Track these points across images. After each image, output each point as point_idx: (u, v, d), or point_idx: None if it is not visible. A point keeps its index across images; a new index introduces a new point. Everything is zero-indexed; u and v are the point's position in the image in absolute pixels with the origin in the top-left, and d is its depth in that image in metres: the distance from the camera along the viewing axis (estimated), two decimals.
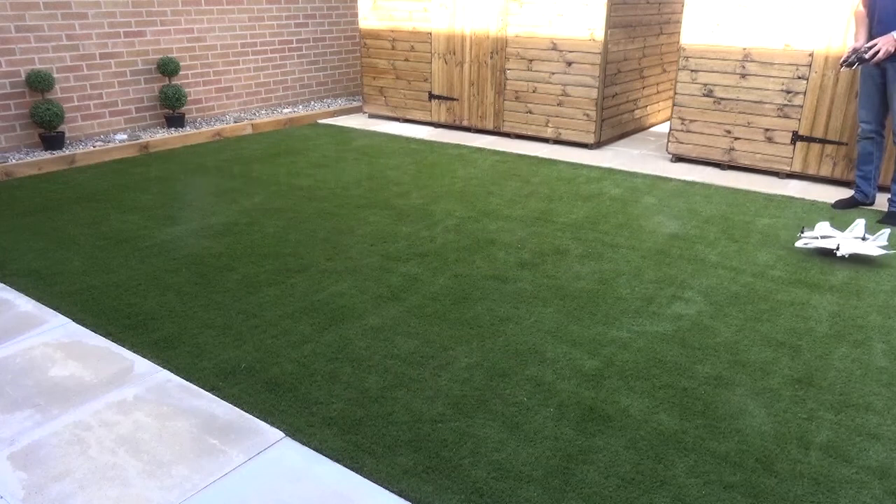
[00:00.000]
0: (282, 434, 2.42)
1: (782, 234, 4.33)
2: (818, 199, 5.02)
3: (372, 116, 8.02)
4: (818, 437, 2.43)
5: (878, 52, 4.17)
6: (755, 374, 2.81)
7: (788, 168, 5.50)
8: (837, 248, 3.76)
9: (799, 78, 5.23)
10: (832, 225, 4.17)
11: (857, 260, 3.85)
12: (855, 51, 4.29)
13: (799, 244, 3.91)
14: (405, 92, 7.57)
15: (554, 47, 6.38)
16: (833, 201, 4.94)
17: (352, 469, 2.26)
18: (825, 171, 5.35)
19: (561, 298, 3.45)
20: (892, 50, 4.13)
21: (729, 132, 5.68)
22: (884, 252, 3.73)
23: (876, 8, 4.28)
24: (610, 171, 5.80)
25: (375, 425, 2.48)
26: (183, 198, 5.01)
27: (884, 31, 4.24)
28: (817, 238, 3.87)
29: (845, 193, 5.13)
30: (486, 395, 2.65)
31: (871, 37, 4.34)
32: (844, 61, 4.37)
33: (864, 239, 3.84)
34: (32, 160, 5.68)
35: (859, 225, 3.92)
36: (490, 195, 5.09)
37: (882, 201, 4.87)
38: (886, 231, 3.81)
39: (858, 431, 2.46)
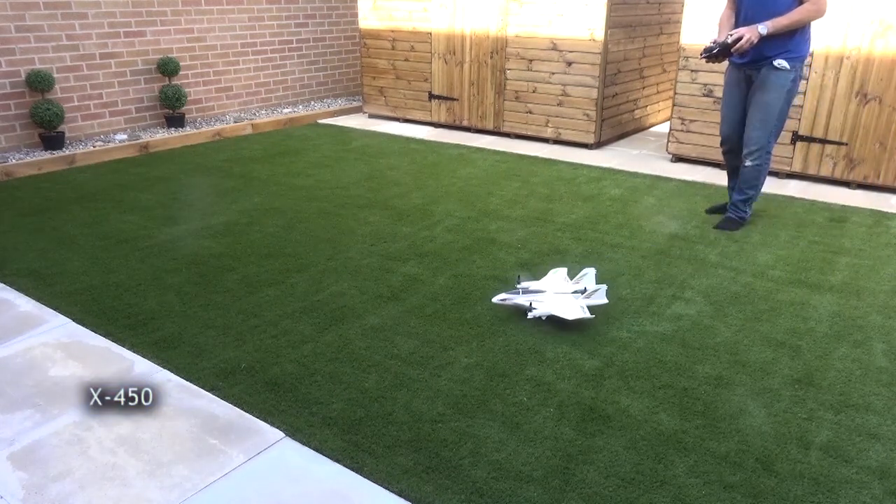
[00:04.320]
0: (282, 434, 2.42)
1: (782, 234, 4.33)
2: (818, 198, 5.02)
3: (372, 116, 8.02)
4: (818, 437, 2.43)
5: (739, 38, 3.86)
6: (755, 374, 2.81)
7: (788, 168, 5.50)
8: (530, 309, 3.17)
9: None
10: (569, 273, 3.52)
11: (556, 320, 3.19)
12: (716, 42, 4.00)
13: (496, 299, 3.26)
14: (405, 92, 7.57)
15: (554, 47, 6.38)
16: (832, 201, 4.94)
17: (352, 469, 2.26)
18: (825, 172, 5.35)
19: None
20: (755, 41, 3.87)
21: None
22: (582, 316, 3.10)
23: (743, 6, 4.06)
24: (610, 171, 5.80)
25: (375, 425, 2.48)
26: (183, 198, 5.01)
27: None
28: (519, 293, 3.26)
29: (845, 193, 5.13)
30: (486, 395, 2.65)
31: None
32: (706, 51, 4.02)
33: (582, 292, 3.26)
34: (32, 160, 5.68)
35: (588, 275, 3.38)
36: (490, 195, 5.09)
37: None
38: (603, 287, 3.25)
39: (858, 431, 2.46)
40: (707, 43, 4.15)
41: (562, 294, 3.27)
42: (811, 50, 5.08)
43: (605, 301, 3.25)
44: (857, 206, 4.85)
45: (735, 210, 4.43)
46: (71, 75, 6.23)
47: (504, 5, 6.53)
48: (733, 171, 4.51)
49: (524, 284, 3.36)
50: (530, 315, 3.17)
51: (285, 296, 3.47)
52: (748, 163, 4.25)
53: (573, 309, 3.13)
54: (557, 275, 3.46)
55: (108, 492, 2.15)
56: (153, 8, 6.72)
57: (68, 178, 5.50)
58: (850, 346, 3.03)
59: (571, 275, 3.53)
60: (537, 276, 3.58)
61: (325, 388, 2.69)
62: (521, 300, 3.23)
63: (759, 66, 4.06)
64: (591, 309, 3.19)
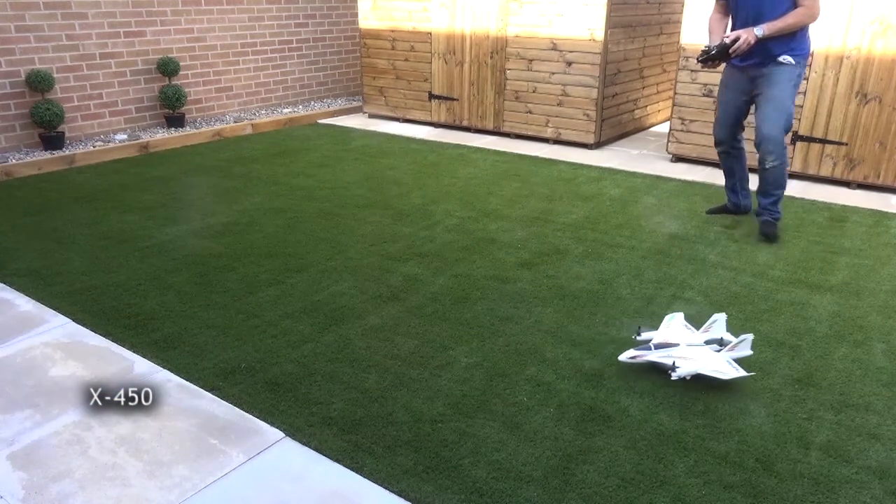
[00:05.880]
0: (282, 434, 2.42)
1: (782, 234, 4.33)
2: (818, 198, 5.02)
3: (372, 116, 8.02)
4: (818, 437, 2.43)
5: (736, 39, 3.87)
6: (755, 374, 2.80)
7: (788, 168, 5.50)
8: (673, 368, 2.72)
9: None
10: (687, 319, 3.05)
11: (707, 380, 2.75)
12: (712, 46, 3.99)
13: (623, 358, 2.81)
14: (405, 92, 7.57)
15: (554, 47, 6.38)
16: (832, 201, 4.94)
17: (352, 469, 2.26)
18: (825, 171, 5.35)
19: (561, 298, 3.45)
20: (753, 41, 3.88)
21: None
22: (738, 375, 2.68)
23: (739, 13, 4.05)
24: (610, 171, 5.80)
25: (375, 425, 2.48)
26: (183, 198, 5.01)
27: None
28: (651, 348, 2.82)
29: (845, 193, 5.14)
30: (486, 395, 2.65)
31: None
32: (703, 54, 4.00)
33: (721, 343, 2.88)
34: (32, 160, 5.68)
35: (718, 322, 2.91)
36: (490, 195, 5.09)
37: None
38: (749, 337, 2.78)
39: (858, 431, 2.46)
40: (703, 47, 4.12)
41: (698, 347, 2.84)
42: (812, 49, 5.09)
43: (751, 353, 2.81)
44: (857, 206, 4.85)
45: (769, 213, 4.30)
46: (71, 75, 6.23)
47: (504, 5, 6.53)
48: (729, 171, 4.53)
49: (646, 335, 2.96)
50: (674, 375, 2.72)
51: (285, 296, 3.47)
52: (768, 165, 4.13)
53: (724, 366, 2.71)
54: (675, 321, 3.00)
55: (108, 492, 2.15)
56: (153, 8, 6.72)
57: (68, 178, 5.50)
58: (850, 346, 3.03)
59: (694, 321, 3.08)
60: (653, 323, 3.14)
61: (325, 388, 2.69)
62: (656, 357, 2.79)
63: (766, 63, 4.08)
64: (739, 363, 2.77)
